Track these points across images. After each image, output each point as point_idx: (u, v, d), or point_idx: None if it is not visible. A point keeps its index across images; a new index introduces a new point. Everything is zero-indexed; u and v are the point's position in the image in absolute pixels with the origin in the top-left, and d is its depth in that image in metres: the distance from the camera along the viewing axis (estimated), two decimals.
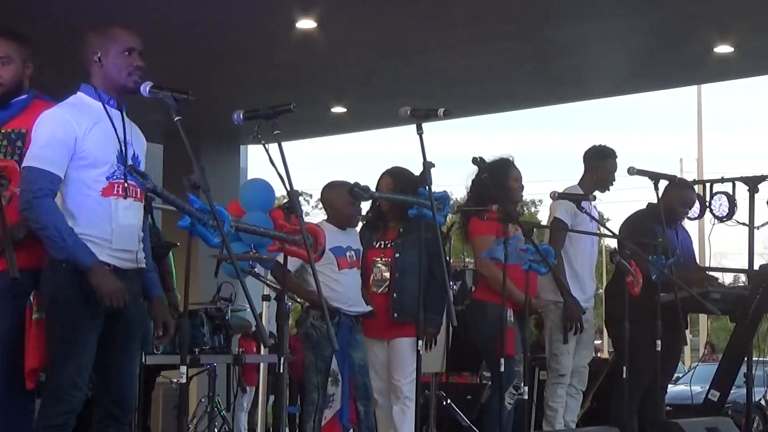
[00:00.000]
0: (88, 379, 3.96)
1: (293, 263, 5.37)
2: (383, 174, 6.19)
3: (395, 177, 6.10)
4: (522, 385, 5.93)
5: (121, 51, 4.02)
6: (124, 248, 4.00)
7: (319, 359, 5.69)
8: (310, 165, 58.30)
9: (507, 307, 6.15)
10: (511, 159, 6.48)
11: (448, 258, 7.36)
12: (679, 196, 6.94)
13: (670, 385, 8.02)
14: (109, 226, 3.95)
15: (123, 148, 4.00)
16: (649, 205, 6.93)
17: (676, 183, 6.94)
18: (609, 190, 6.81)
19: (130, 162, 4.01)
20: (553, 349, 6.56)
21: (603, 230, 6.32)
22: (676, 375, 10.46)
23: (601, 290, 10.50)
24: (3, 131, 4.14)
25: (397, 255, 6.03)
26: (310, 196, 35.44)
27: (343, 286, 5.76)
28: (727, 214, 7.66)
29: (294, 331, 6.38)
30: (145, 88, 3.95)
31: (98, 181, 3.95)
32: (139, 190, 4.04)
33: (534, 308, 6.14)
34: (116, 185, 3.97)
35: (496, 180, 6.08)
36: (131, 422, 4.22)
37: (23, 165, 3.92)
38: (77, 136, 3.92)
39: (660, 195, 6.56)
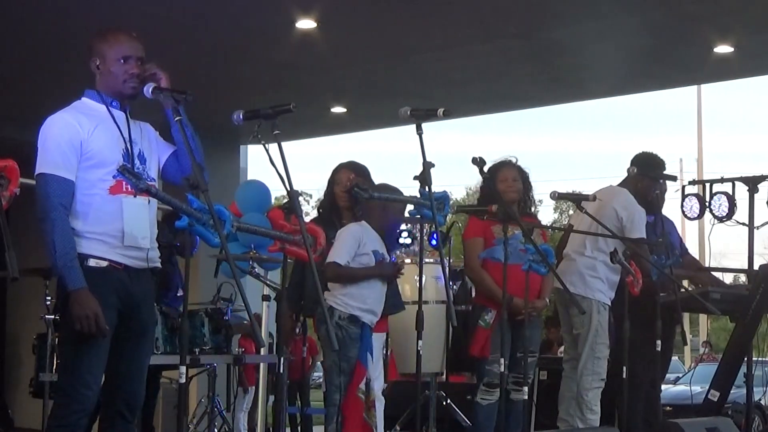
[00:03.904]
0: (101, 378, 3.97)
1: (342, 257, 5.53)
2: (342, 168, 6.12)
3: (356, 171, 6.05)
4: (495, 383, 5.96)
5: (116, 59, 4.04)
6: (134, 246, 4.00)
7: (343, 360, 5.56)
8: (310, 165, 58.31)
9: (489, 309, 6.16)
10: (508, 160, 6.44)
11: (448, 258, 7.36)
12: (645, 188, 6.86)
13: (670, 385, 8.02)
14: (119, 224, 3.96)
15: (129, 147, 4.01)
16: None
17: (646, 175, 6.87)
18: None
19: (136, 161, 4.02)
20: (596, 351, 6.39)
21: (603, 230, 6.27)
22: (675, 375, 10.48)
23: None
24: None
25: None
26: (310, 196, 35.44)
27: (372, 292, 5.68)
28: (727, 214, 7.64)
29: None
30: (148, 89, 3.97)
31: (105, 180, 3.96)
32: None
33: (517, 310, 6.06)
34: (125, 183, 3.95)
35: (489, 182, 6.03)
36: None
37: (37, 172, 3.93)
38: (82, 138, 3.95)
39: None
